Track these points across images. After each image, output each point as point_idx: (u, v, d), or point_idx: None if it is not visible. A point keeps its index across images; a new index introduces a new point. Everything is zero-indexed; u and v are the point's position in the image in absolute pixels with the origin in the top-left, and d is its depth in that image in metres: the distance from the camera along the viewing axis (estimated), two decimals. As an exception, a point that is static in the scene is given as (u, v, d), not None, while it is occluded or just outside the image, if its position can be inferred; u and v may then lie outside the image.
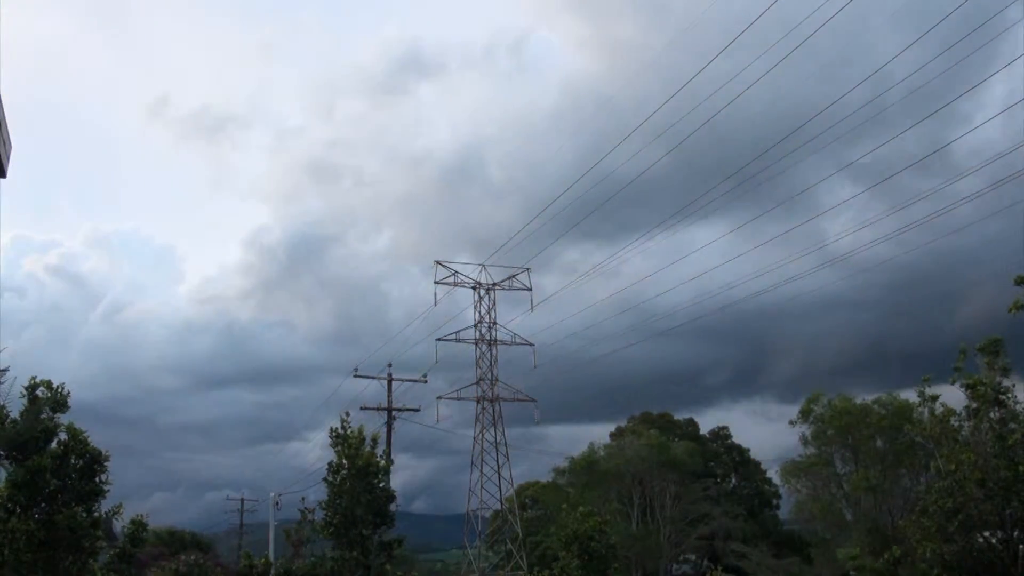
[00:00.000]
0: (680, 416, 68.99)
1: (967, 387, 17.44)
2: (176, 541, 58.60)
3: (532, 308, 51.41)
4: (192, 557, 31.17)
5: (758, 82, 26.26)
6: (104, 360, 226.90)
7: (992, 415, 17.11)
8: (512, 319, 52.51)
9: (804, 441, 49.07)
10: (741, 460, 68.29)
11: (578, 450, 62.11)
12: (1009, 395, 17.01)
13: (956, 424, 18.38)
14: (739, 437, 69.57)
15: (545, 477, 66.97)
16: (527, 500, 66.64)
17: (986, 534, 16.86)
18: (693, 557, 62.26)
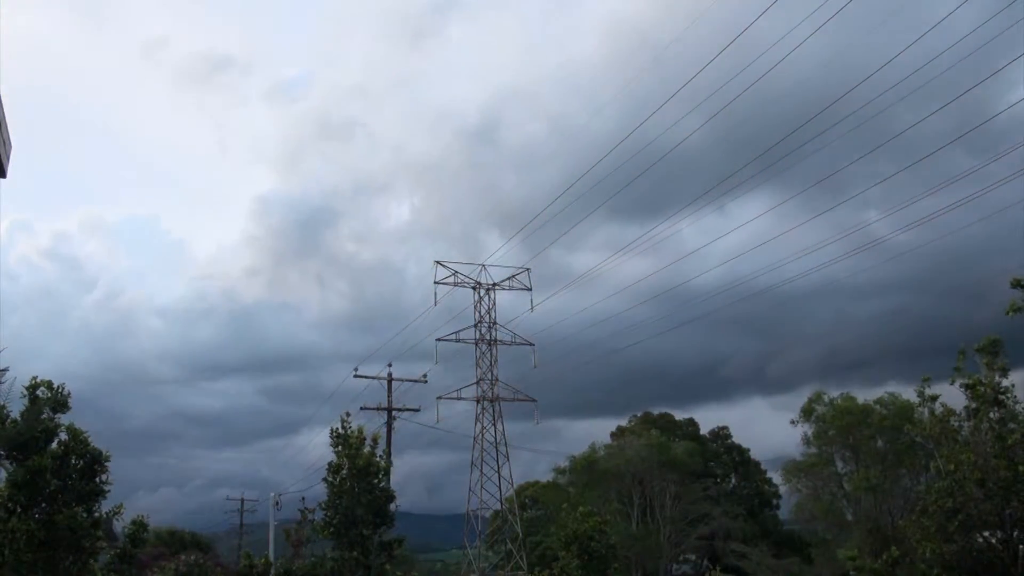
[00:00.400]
0: (710, 407, 68.96)
1: (967, 387, 17.45)
2: (176, 541, 58.58)
3: (532, 308, 51.49)
4: (192, 557, 31.17)
5: (808, 40, 24.44)
6: (100, 346, 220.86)
7: (992, 415, 17.12)
8: (526, 311, 51.98)
9: (805, 441, 49.16)
10: (741, 460, 68.31)
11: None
12: (1009, 395, 17.02)
13: (956, 424, 18.38)
14: (765, 431, 68.40)
15: (551, 475, 67.15)
16: (527, 500, 66.65)
17: (986, 534, 16.87)
18: (693, 557, 62.27)
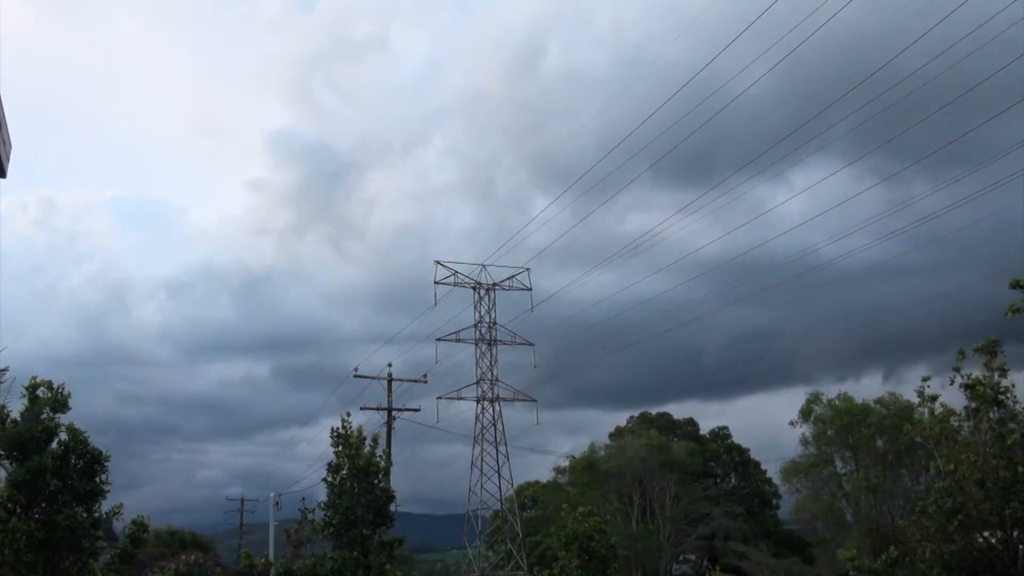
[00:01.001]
0: (757, 396, 66.44)
1: (966, 387, 17.45)
2: (176, 541, 58.58)
3: (532, 308, 51.58)
4: (192, 557, 31.11)
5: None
6: (96, 325, 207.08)
7: (992, 415, 17.12)
8: (576, 279, 51.26)
9: (804, 441, 49.20)
10: (741, 460, 68.34)
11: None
12: (1008, 395, 17.02)
13: (956, 424, 18.39)
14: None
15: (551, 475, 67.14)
16: (527, 500, 66.67)
17: (986, 534, 16.87)
18: (693, 557, 62.31)
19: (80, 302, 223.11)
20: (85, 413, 20.34)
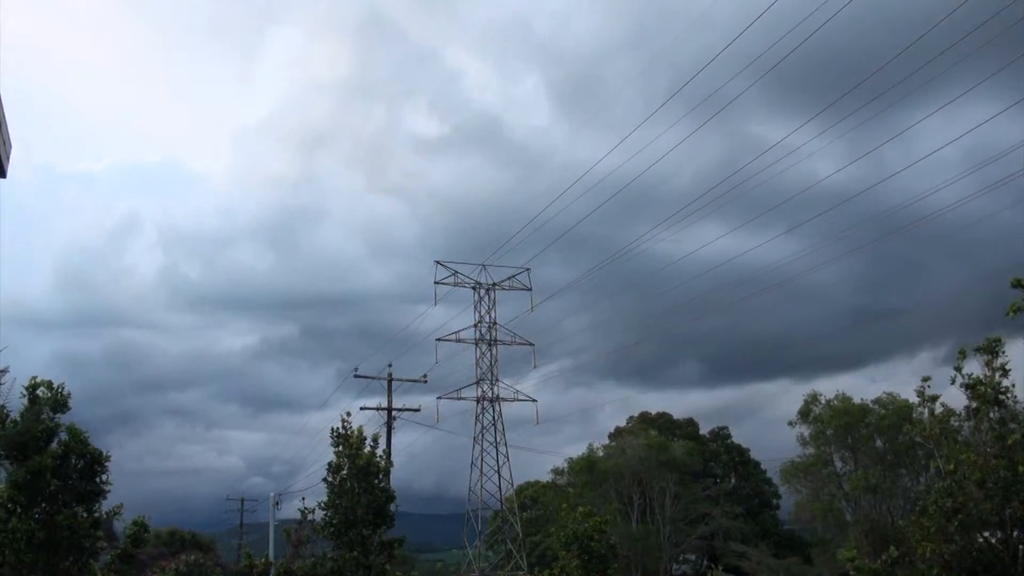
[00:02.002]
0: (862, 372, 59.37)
1: (967, 387, 17.44)
2: (176, 541, 58.59)
3: (532, 308, 51.66)
4: (192, 557, 31.10)
5: None
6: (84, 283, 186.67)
7: (992, 415, 17.11)
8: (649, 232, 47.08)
9: (803, 441, 49.24)
10: (741, 460, 68.37)
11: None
12: (1009, 395, 17.01)
13: (956, 424, 18.38)
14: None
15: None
16: (527, 500, 66.69)
17: (986, 534, 16.86)
18: (693, 557, 62.35)
19: (68, 255, 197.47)
20: (76, 388, 20.00)
